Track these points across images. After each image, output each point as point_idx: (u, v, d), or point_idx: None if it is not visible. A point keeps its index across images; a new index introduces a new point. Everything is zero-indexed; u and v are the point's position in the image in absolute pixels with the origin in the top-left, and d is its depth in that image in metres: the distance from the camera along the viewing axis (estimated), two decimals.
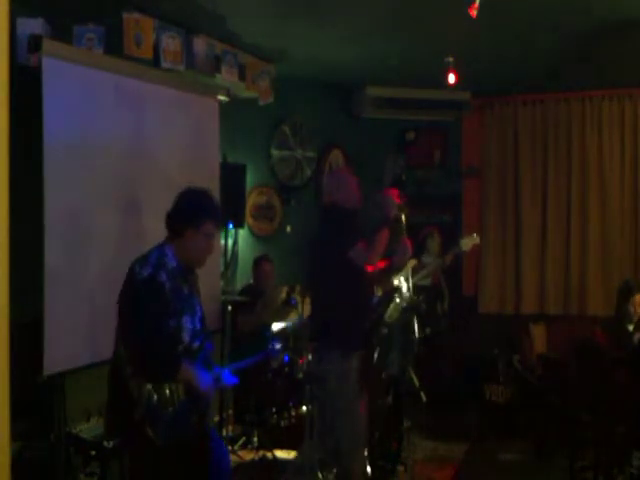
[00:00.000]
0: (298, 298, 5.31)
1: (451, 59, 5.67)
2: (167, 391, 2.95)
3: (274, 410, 5.09)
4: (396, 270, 4.83)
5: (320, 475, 4.24)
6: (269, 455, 5.07)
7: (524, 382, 6.14)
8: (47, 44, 3.85)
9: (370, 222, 4.29)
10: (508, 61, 6.08)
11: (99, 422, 4.09)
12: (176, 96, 4.87)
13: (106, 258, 4.20)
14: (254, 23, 5.07)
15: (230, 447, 5.17)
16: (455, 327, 6.53)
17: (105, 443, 3.90)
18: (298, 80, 6.47)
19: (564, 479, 4.90)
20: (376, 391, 4.74)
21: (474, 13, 3.96)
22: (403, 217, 4.36)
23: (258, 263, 5.88)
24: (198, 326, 3.12)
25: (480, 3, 3.94)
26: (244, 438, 5.45)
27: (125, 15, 4.42)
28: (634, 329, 5.21)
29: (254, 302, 5.51)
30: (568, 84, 6.94)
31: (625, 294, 5.29)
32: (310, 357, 4.34)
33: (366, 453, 4.32)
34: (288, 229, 6.81)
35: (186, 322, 3.05)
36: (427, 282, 5.82)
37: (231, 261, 6.15)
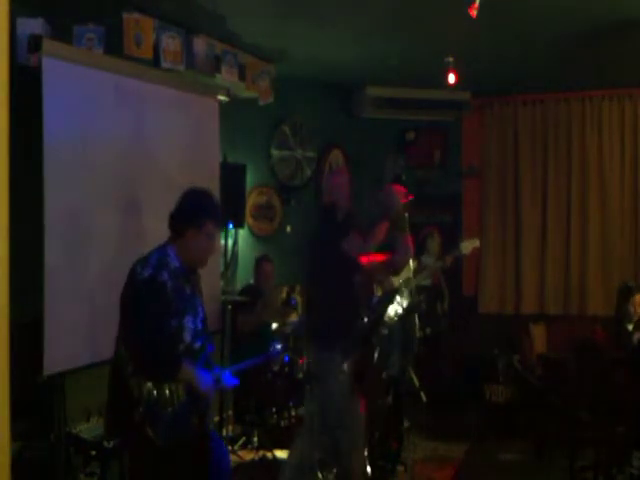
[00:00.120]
0: (298, 298, 5.33)
1: (451, 59, 5.67)
2: (167, 391, 2.95)
3: (274, 410, 5.10)
4: (397, 269, 4.82)
5: (320, 475, 4.24)
6: (269, 455, 5.08)
7: (524, 382, 6.13)
8: (47, 44, 3.85)
9: (370, 219, 4.28)
10: (508, 61, 6.08)
11: (99, 422, 4.09)
12: (176, 96, 4.87)
13: (106, 258, 4.20)
14: (254, 23, 5.07)
15: (230, 447, 5.17)
16: (455, 327, 6.53)
17: (105, 443, 3.91)
18: (298, 80, 6.47)
19: (564, 479, 4.90)
20: (376, 391, 4.73)
21: (474, 13, 3.96)
22: (406, 215, 4.34)
23: (258, 263, 5.88)
24: (200, 327, 3.12)
25: (480, 3, 3.94)
26: (244, 438, 5.45)
27: (125, 15, 4.42)
28: (634, 329, 5.22)
29: (254, 302, 5.51)
30: (568, 84, 6.94)
31: (625, 294, 5.30)
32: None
33: (366, 453, 4.32)
34: (288, 229, 6.81)
35: (188, 322, 3.05)
36: (427, 282, 5.82)
37: (231, 261, 6.15)
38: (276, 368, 5.12)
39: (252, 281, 5.95)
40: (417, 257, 5.49)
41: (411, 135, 7.76)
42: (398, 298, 4.75)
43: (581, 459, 4.90)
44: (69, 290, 3.97)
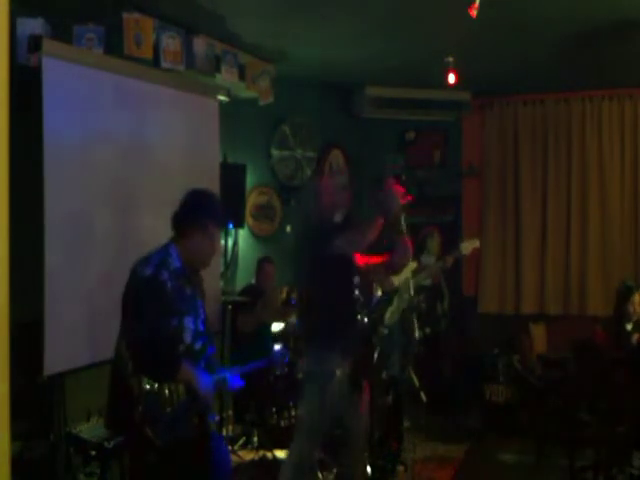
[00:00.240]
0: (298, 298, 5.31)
1: (451, 59, 5.67)
2: (166, 391, 2.95)
3: (274, 410, 5.10)
4: (396, 270, 4.82)
5: (320, 475, 4.24)
6: (269, 455, 5.08)
7: (524, 382, 6.13)
8: (47, 44, 3.85)
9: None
10: (508, 61, 6.08)
11: (99, 422, 4.09)
12: (176, 96, 4.87)
13: (106, 258, 4.20)
14: (254, 23, 5.07)
15: (230, 447, 5.17)
16: (455, 327, 6.53)
17: (105, 443, 3.90)
18: (298, 80, 6.47)
19: (564, 479, 4.90)
20: (376, 391, 4.73)
21: (474, 13, 3.96)
22: (402, 217, 4.33)
23: (260, 264, 5.88)
24: (201, 328, 3.11)
25: (480, 3, 3.94)
26: (244, 438, 5.45)
27: (125, 15, 4.42)
28: (632, 329, 5.22)
29: (254, 302, 5.52)
30: (568, 84, 6.94)
31: (624, 294, 5.29)
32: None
33: (366, 453, 4.32)
34: (288, 229, 6.81)
35: (188, 323, 3.05)
36: (427, 282, 5.82)
37: (231, 261, 6.15)
38: (278, 372, 5.12)
39: (253, 281, 5.95)
40: (417, 257, 5.50)
41: (411, 135, 7.76)
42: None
43: (581, 459, 4.90)
44: (69, 290, 3.98)
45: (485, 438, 5.93)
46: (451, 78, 5.77)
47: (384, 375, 4.95)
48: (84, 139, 4.11)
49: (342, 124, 7.31)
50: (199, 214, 3.12)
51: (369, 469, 4.42)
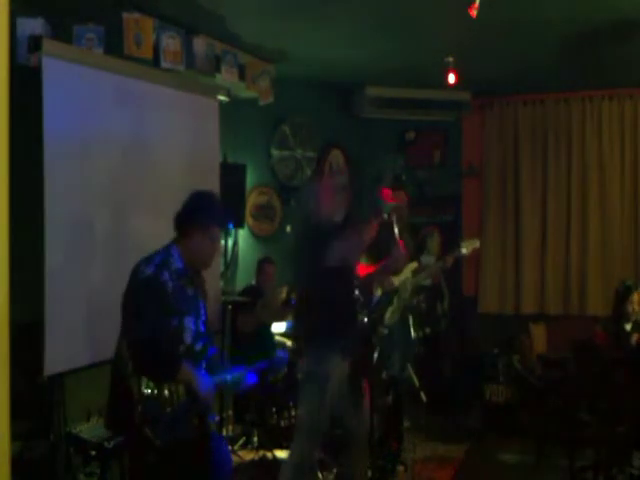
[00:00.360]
0: None
1: (451, 59, 5.67)
2: (166, 391, 2.95)
3: (274, 410, 5.09)
4: (392, 274, 4.82)
5: (320, 475, 4.24)
6: (269, 455, 5.07)
7: (524, 382, 6.13)
8: (47, 44, 3.85)
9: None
10: (508, 61, 6.08)
11: (99, 422, 4.09)
12: (176, 96, 4.87)
13: (106, 258, 4.20)
14: (254, 23, 5.07)
15: (230, 447, 5.17)
16: (455, 327, 6.53)
17: (105, 443, 3.90)
18: (298, 80, 6.47)
19: (564, 479, 4.90)
20: (376, 391, 4.73)
21: (474, 13, 3.96)
22: (395, 219, 4.31)
23: (261, 265, 5.88)
24: (201, 329, 3.11)
25: (480, 3, 3.94)
26: (244, 438, 5.45)
27: (125, 15, 4.42)
28: (632, 329, 5.22)
29: (254, 302, 5.51)
30: (568, 84, 6.94)
31: (623, 294, 5.29)
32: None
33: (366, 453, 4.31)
34: (288, 229, 6.81)
35: (189, 323, 3.05)
36: (427, 282, 5.82)
37: (231, 261, 6.15)
38: (279, 376, 5.12)
39: (253, 282, 5.95)
40: (417, 257, 5.50)
41: (411, 135, 7.76)
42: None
43: (581, 459, 4.90)
44: (69, 290, 3.97)
45: (485, 438, 5.93)
46: (451, 78, 5.77)
47: (384, 375, 4.94)
48: (84, 139, 4.11)
49: (342, 124, 7.31)
50: (200, 215, 3.13)
51: (369, 469, 4.41)
